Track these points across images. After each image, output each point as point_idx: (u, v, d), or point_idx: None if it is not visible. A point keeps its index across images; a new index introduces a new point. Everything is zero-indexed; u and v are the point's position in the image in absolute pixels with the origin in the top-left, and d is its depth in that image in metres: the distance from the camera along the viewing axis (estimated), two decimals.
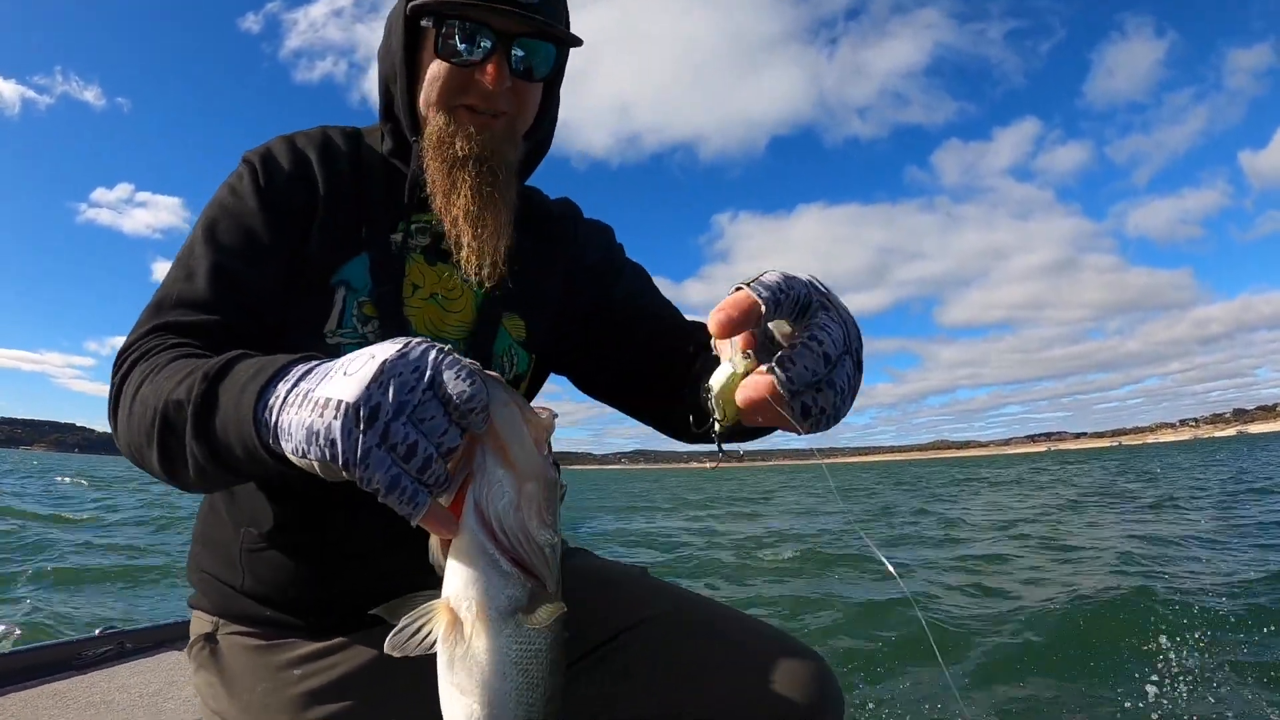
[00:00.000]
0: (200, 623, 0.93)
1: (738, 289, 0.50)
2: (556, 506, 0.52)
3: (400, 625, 0.50)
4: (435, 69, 0.83)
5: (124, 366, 0.71)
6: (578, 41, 0.87)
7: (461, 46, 0.80)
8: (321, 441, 0.46)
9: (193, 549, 0.98)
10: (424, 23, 0.81)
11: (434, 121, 0.84)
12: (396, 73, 0.85)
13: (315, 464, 0.48)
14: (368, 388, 0.45)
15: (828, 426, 0.55)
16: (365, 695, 0.84)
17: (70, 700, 1.57)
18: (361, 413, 0.45)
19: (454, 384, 0.46)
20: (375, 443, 0.45)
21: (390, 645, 0.50)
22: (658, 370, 0.92)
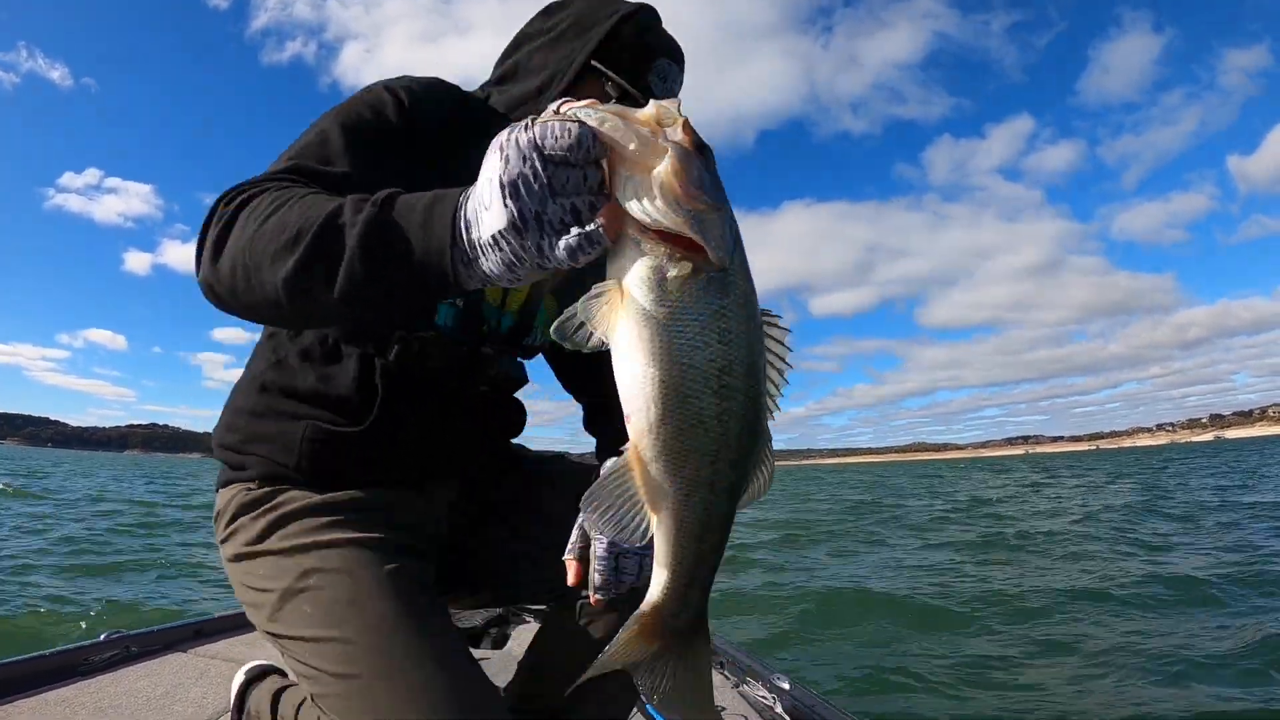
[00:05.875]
0: (230, 496, 0.95)
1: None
2: (697, 175, 0.54)
3: (581, 301, 0.56)
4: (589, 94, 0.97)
5: (247, 190, 0.71)
6: None
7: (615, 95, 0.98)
8: (513, 259, 0.56)
9: (232, 421, 0.98)
10: (595, 63, 0.99)
11: None
12: (555, 80, 1.00)
13: (502, 271, 0.57)
14: (507, 207, 0.54)
15: None
16: (394, 537, 0.91)
17: (78, 706, 1.55)
18: (519, 228, 0.54)
19: (555, 146, 0.53)
20: (537, 239, 0.54)
21: (578, 313, 0.56)
22: None
